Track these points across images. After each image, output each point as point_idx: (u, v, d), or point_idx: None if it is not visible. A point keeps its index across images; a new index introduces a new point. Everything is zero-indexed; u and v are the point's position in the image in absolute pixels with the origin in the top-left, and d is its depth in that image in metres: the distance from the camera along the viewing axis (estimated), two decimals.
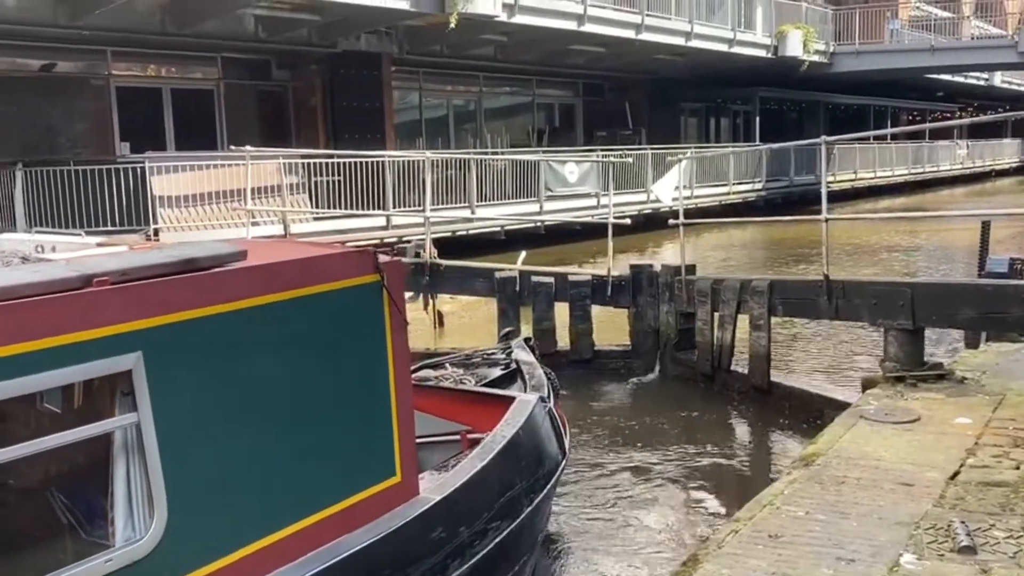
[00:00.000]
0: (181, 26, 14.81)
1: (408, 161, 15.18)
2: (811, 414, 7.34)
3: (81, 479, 2.92)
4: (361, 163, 14.63)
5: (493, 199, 16.88)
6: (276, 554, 2.99)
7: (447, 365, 5.77)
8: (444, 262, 9.74)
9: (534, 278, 9.19)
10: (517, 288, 9.11)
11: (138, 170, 12.53)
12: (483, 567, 3.61)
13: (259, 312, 2.99)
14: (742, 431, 7.68)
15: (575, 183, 18.67)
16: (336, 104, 17.51)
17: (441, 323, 10.83)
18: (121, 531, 2.68)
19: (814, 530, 3.99)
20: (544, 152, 19.28)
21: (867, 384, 6.74)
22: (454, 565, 3.48)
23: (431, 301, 10.67)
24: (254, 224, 11.96)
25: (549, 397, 4.95)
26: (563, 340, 9.11)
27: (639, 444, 6.87)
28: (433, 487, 3.62)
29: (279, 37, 16.18)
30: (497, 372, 5.58)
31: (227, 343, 2.91)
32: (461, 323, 10.93)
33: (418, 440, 4.38)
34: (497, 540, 3.71)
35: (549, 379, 5.59)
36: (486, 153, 18.79)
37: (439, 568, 3.42)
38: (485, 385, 5.29)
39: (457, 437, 4.63)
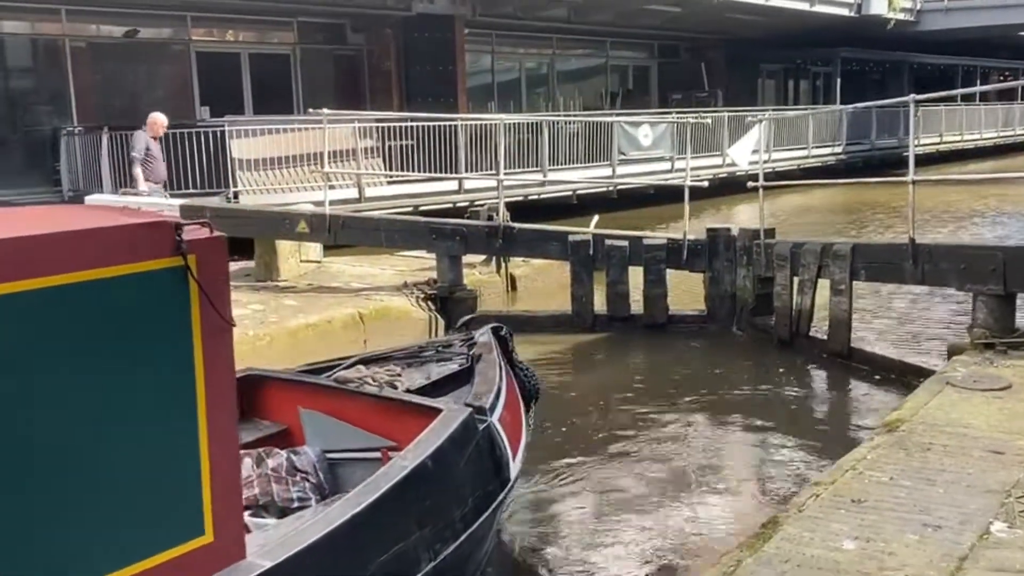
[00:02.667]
0: None
1: (480, 125, 15.15)
2: (894, 381, 7.16)
3: None
4: (434, 127, 14.67)
5: (565, 163, 16.76)
6: None
7: (391, 360, 4.83)
8: (517, 225, 9.73)
9: (608, 241, 9.11)
10: (591, 251, 9.05)
11: (218, 134, 12.79)
12: None
13: None
14: (821, 396, 7.54)
15: (649, 146, 18.41)
16: (410, 67, 17.57)
17: (514, 287, 10.85)
18: None
19: (899, 496, 3.91)
20: (617, 115, 19.02)
21: (954, 351, 6.54)
22: None
23: (504, 264, 10.69)
24: (331, 188, 12.10)
25: (495, 407, 4.03)
26: (636, 304, 9.05)
27: (713, 406, 6.80)
28: (272, 546, 2.73)
29: (354, 1, 16.25)
30: (445, 371, 4.72)
31: None
32: (534, 286, 10.93)
33: (332, 457, 3.89)
34: None
35: (525, 377, 4.95)
36: (560, 116, 18.63)
37: None
38: (423, 388, 4.43)
39: (377, 454, 3.85)
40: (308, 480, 3.70)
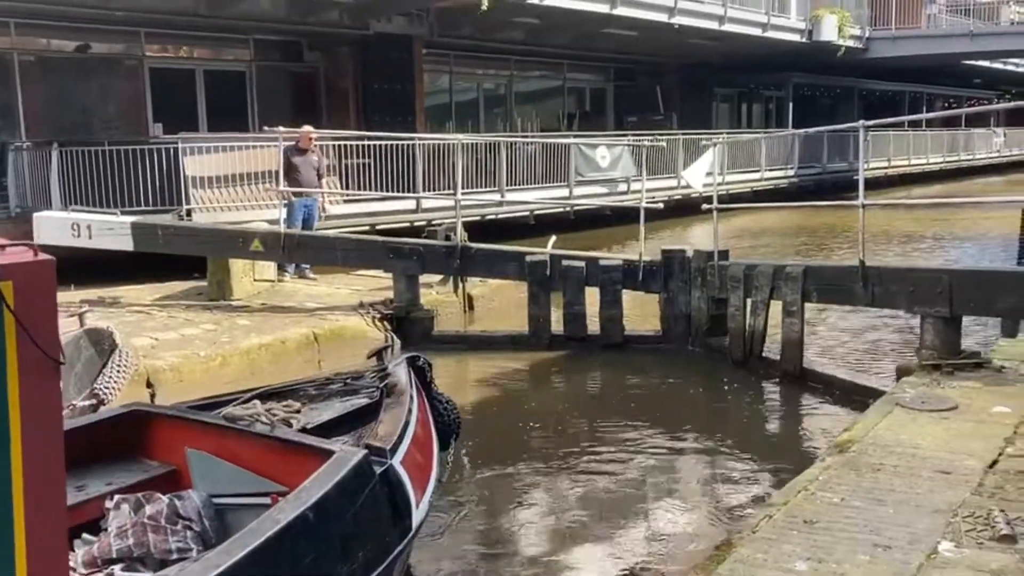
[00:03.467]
0: (213, 7, 14.88)
1: (438, 144, 15.17)
2: (845, 401, 7.27)
3: None
4: (391, 146, 14.64)
5: (523, 184, 16.83)
6: None
7: (294, 393, 4.52)
8: (475, 245, 9.73)
9: (564, 262, 9.16)
10: (548, 272, 9.09)
11: (171, 151, 12.62)
12: None
13: None
14: (774, 415, 7.62)
15: (606, 168, 18.57)
16: (367, 86, 17.53)
17: (471, 307, 10.84)
18: None
19: (850, 516, 3.95)
20: (575, 137, 19.17)
21: (902, 372, 6.66)
22: None
23: (461, 284, 10.68)
24: (286, 206, 11.98)
25: (398, 447, 3.73)
26: (593, 325, 9.08)
27: (667, 424, 6.84)
28: None
29: (311, 19, 16.20)
30: (349, 406, 4.42)
31: None
32: (491, 306, 10.93)
33: (220, 503, 3.62)
34: None
35: (444, 410, 4.68)
36: (517, 136, 18.72)
37: None
38: (322, 425, 4.13)
39: (267, 500, 3.51)
40: (191, 528, 3.44)
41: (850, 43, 25.40)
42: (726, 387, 7.99)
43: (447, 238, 10.24)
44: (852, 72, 29.57)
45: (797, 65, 26.98)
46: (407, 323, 9.40)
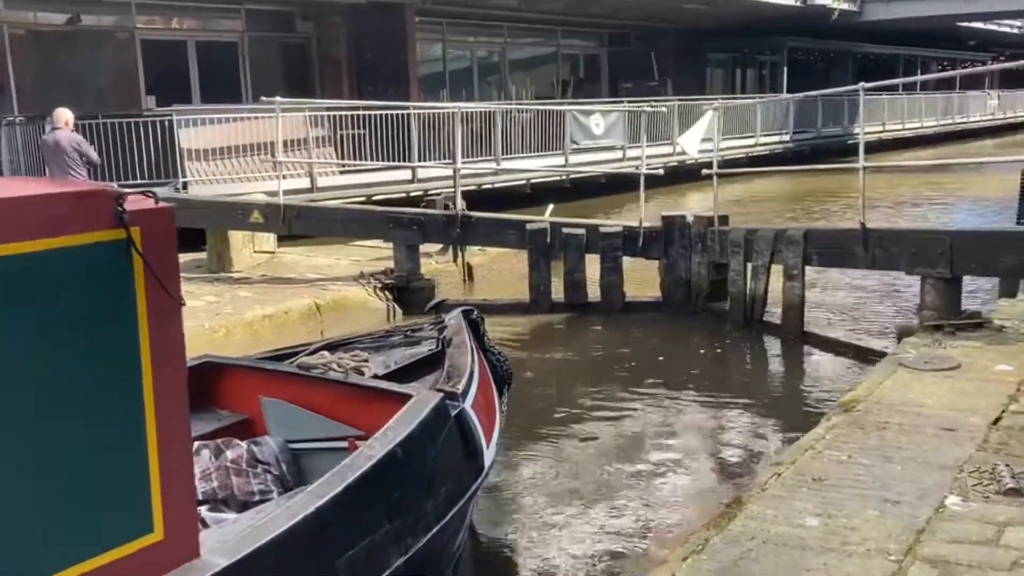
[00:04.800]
0: None
1: (433, 114, 15.09)
2: (846, 362, 7.34)
3: None
4: (386, 116, 14.56)
5: (518, 152, 16.77)
6: None
7: (358, 344, 4.68)
8: (475, 214, 9.73)
9: (565, 230, 9.17)
10: (548, 240, 9.10)
11: (165, 123, 12.54)
12: None
13: None
14: (776, 378, 7.69)
15: (600, 135, 18.51)
16: (360, 56, 17.40)
17: (471, 276, 10.85)
18: None
19: (858, 473, 4.02)
20: (570, 104, 19.09)
21: (903, 333, 6.72)
22: None
23: (460, 254, 10.68)
24: (282, 178, 11.96)
25: (468, 392, 3.88)
26: (594, 292, 9.12)
27: (670, 387, 6.90)
28: (230, 543, 2.55)
29: None
30: (414, 355, 4.56)
31: None
32: (491, 275, 10.94)
33: (296, 448, 3.71)
34: None
35: (496, 361, 4.80)
36: (513, 104, 18.62)
37: None
38: (391, 373, 4.26)
39: (344, 444, 3.64)
40: (270, 472, 3.55)
41: (844, 6, 25.26)
42: (728, 350, 8.05)
43: (446, 207, 10.23)
44: (846, 36, 29.43)
45: (791, 29, 26.83)
46: (408, 293, 9.42)
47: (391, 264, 9.87)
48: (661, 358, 7.87)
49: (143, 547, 2.29)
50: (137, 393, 2.25)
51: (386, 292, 9.35)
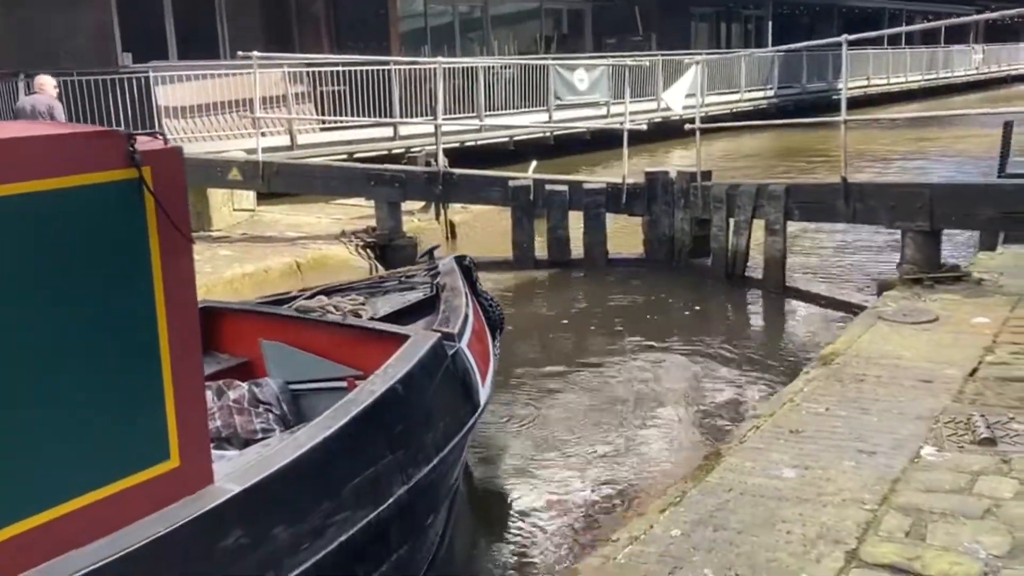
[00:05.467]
0: None
1: (415, 70, 14.90)
2: (827, 316, 7.39)
3: None
4: (366, 72, 14.37)
5: (501, 109, 16.62)
6: None
7: (353, 290, 4.81)
8: (457, 171, 9.66)
9: (548, 186, 9.12)
10: (531, 197, 9.06)
11: (142, 80, 12.34)
12: (326, 573, 2.71)
13: None
14: (757, 331, 7.73)
15: (584, 91, 18.36)
16: (341, 11, 17.11)
17: (453, 234, 10.80)
18: None
19: (835, 425, 4.05)
20: (554, 59, 18.89)
21: (883, 287, 6.75)
22: None
23: (443, 211, 10.63)
24: (261, 135, 11.82)
25: (463, 333, 3.99)
26: (577, 249, 9.10)
27: (652, 339, 6.93)
28: (240, 472, 2.67)
29: None
30: (409, 299, 4.67)
31: None
32: (473, 233, 10.90)
33: (296, 388, 3.81)
34: (346, 537, 2.79)
35: (488, 307, 4.87)
36: (496, 60, 18.41)
37: None
38: (388, 316, 4.33)
39: (343, 383, 3.76)
40: (271, 411, 3.64)
41: None
42: (710, 305, 8.08)
43: (428, 164, 10.15)
44: None
45: None
46: (390, 251, 9.38)
47: (373, 222, 9.81)
48: (644, 313, 7.89)
49: (160, 473, 2.39)
50: (152, 326, 2.34)
51: (368, 250, 9.30)
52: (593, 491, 4.62)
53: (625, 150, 9.24)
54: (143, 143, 2.28)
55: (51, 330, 2.16)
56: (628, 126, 9.45)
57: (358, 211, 10.80)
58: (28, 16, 14.54)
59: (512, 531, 4.32)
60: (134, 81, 12.31)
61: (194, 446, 2.48)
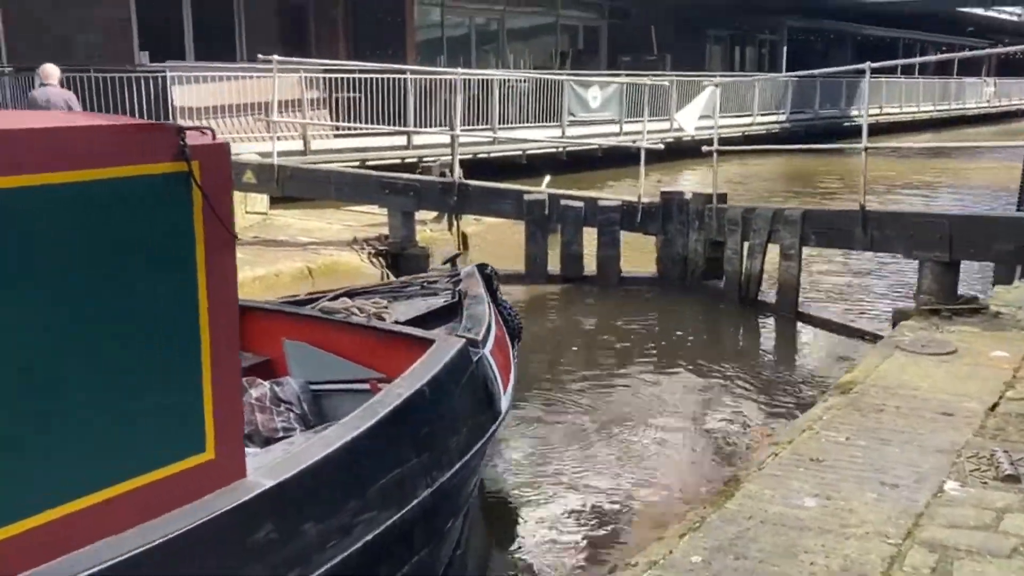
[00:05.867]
0: None
1: (430, 80, 14.91)
2: (840, 344, 7.33)
3: None
4: (382, 80, 14.39)
5: (514, 123, 16.63)
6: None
7: (376, 293, 4.85)
8: (472, 182, 9.64)
9: (563, 201, 9.10)
10: (546, 211, 9.03)
11: (159, 79, 12.35)
12: (347, 573, 2.72)
13: None
14: (768, 356, 7.68)
15: (597, 108, 18.37)
16: (358, 18, 17.16)
17: (465, 245, 10.77)
18: None
19: (855, 455, 3.99)
20: (569, 75, 18.91)
21: (899, 317, 6.70)
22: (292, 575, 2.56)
23: (456, 222, 10.60)
24: (277, 139, 11.82)
25: (486, 340, 4.00)
26: (590, 266, 9.07)
27: (665, 361, 6.90)
28: (271, 467, 2.70)
29: None
30: (432, 305, 4.70)
31: None
32: (485, 245, 10.87)
33: (317, 389, 3.81)
34: (370, 537, 2.81)
35: (507, 315, 4.89)
36: (513, 73, 18.43)
37: None
38: (411, 320, 4.35)
39: (366, 386, 3.78)
40: (292, 411, 3.63)
41: None
42: (722, 327, 8.04)
43: (443, 175, 10.13)
44: (847, 17, 29.23)
45: (792, 8, 26.63)
46: (402, 260, 9.35)
47: (385, 230, 9.79)
48: (655, 333, 7.84)
49: (195, 465, 2.42)
50: (193, 319, 2.36)
51: (380, 258, 9.28)
52: (602, 508, 4.57)
53: (643, 168, 9.21)
54: (192, 137, 2.29)
55: (97, 317, 2.17)
56: (646, 145, 9.43)
57: (370, 219, 10.78)
58: (46, 10, 14.58)
59: (524, 546, 4.27)
60: (151, 80, 12.31)
61: (229, 440, 2.50)
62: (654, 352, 7.15)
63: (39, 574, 2.07)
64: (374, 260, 9.17)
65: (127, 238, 2.20)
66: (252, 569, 2.45)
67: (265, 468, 2.65)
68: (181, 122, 12.32)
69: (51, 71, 9.15)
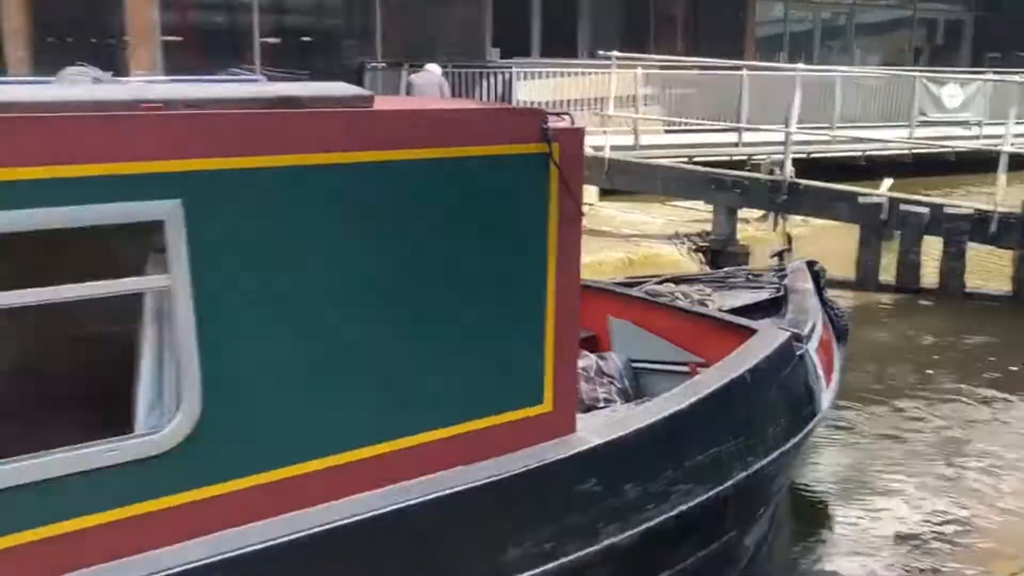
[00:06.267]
0: None
1: (767, 76, 14.48)
2: None
3: (102, 347, 2.45)
4: (717, 76, 14.23)
5: (855, 121, 15.65)
6: (355, 477, 2.35)
7: (700, 281, 4.92)
8: (803, 181, 9.27)
9: (903, 206, 8.46)
10: (883, 216, 8.45)
11: (506, 75, 13.21)
12: (659, 538, 2.82)
13: (362, 170, 2.30)
14: None
15: (955, 108, 16.75)
16: (697, 14, 17.11)
17: (789, 247, 10.38)
18: (142, 417, 2.15)
19: None
20: (922, 71, 17.44)
21: None
22: (609, 530, 2.70)
23: (781, 222, 10.25)
24: (609, 133, 12.17)
25: (811, 336, 3.92)
26: (926, 277, 8.36)
27: (1003, 390, 6.18)
28: (599, 427, 2.90)
29: None
30: (756, 297, 4.64)
31: (315, 204, 2.25)
32: (810, 249, 10.35)
33: (637, 366, 3.99)
34: (683, 508, 2.88)
35: (834, 315, 4.74)
36: (857, 71, 17.38)
37: (587, 528, 2.67)
38: (734, 310, 4.35)
39: (685, 368, 3.87)
40: (614, 384, 3.82)
41: None
42: None
43: (771, 172, 9.85)
44: None
45: None
46: (722, 257, 9.24)
47: (707, 226, 9.72)
48: (1003, 355, 7.05)
49: (534, 415, 2.69)
50: (542, 282, 2.64)
51: (700, 254, 9.24)
52: (918, 531, 4.26)
53: (1002, 175, 8.31)
54: (553, 122, 2.59)
55: (461, 276, 2.52)
56: (1008, 148, 8.48)
57: (693, 214, 10.77)
58: (416, 8, 16.16)
59: (829, 555, 4.09)
60: (499, 75, 13.22)
61: (565, 396, 2.75)
62: (999, 376, 6.44)
63: (407, 488, 2.41)
64: (694, 255, 9.15)
65: (494, 207, 2.55)
66: (573, 517, 2.64)
67: (593, 427, 2.86)
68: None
69: (431, 67, 10.31)
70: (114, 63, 12.62)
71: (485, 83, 13.15)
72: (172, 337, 2.11)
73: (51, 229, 1.96)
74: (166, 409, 2.14)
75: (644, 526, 2.76)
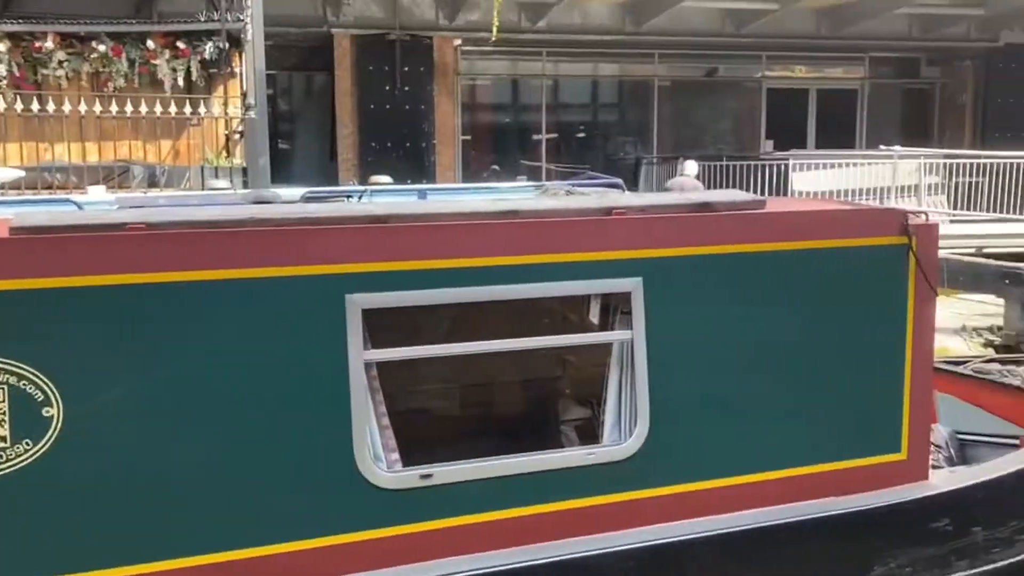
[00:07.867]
0: (835, 28, 15.37)
1: None
2: None
3: (582, 382, 3.47)
4: (1008, 165, 13.57)
5: None
6: (749, 494, 2.99)
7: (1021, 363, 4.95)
8: None
9: None
10: None
11: (781, 167, 13.43)
12: None
13: (764, 257, 3.00)
14: None
15: None
16: (989, 101, 16.42)
17: None
18: (608, 433, 2.95)
19: None
20: None
21: None
22: (960, 565, 3.17)
23: None
24: None
25: None
26: None
27: None
28: (946, 476, 3.35)
29: (934, 34, 15.77)
30: None
31: (728, 282, 2.98)
32: None
33: (963, 437, 4.17)
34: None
35: None
36: None
37: (940, 561, 3.15)
38: None
39: (1015, 441, 4.03)
40: (940, 452, 4.09)
41: None
42: None
43: None
44: None
45: None
46: (1014, 353, 8.82)
47: (998, 321, 9.33)
48: None
49: (888, 462, 3.18)
50: (902, 350, 3.16)
51: (990, 349, 8.89)
52: None
53: None
54: (913, 219, 3.15)
55: (841, 341, 3.10)
56: None
57: (982, 307, 10.33)
58: (690, 105, 16.87)
59: None
60: (773, 167, 13.46)
61: (919, 447, 3.23)
62: None
63: (798, 507, 3.00)
64: (983, 351, 8.83)
65: (864, 287, 3.12)
66: (924, 551, 3.14)
67: (942, 477, 3.34)
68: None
69: (688, 167, 10.81)
70: (424, 160, 14.43)
71: (758, 174, 13.45)
72: (631, 376, 2.89)
73: (566, 296, 2.98)
74: (623, 428, 2.93)
75: (990, 566, 3.17)
